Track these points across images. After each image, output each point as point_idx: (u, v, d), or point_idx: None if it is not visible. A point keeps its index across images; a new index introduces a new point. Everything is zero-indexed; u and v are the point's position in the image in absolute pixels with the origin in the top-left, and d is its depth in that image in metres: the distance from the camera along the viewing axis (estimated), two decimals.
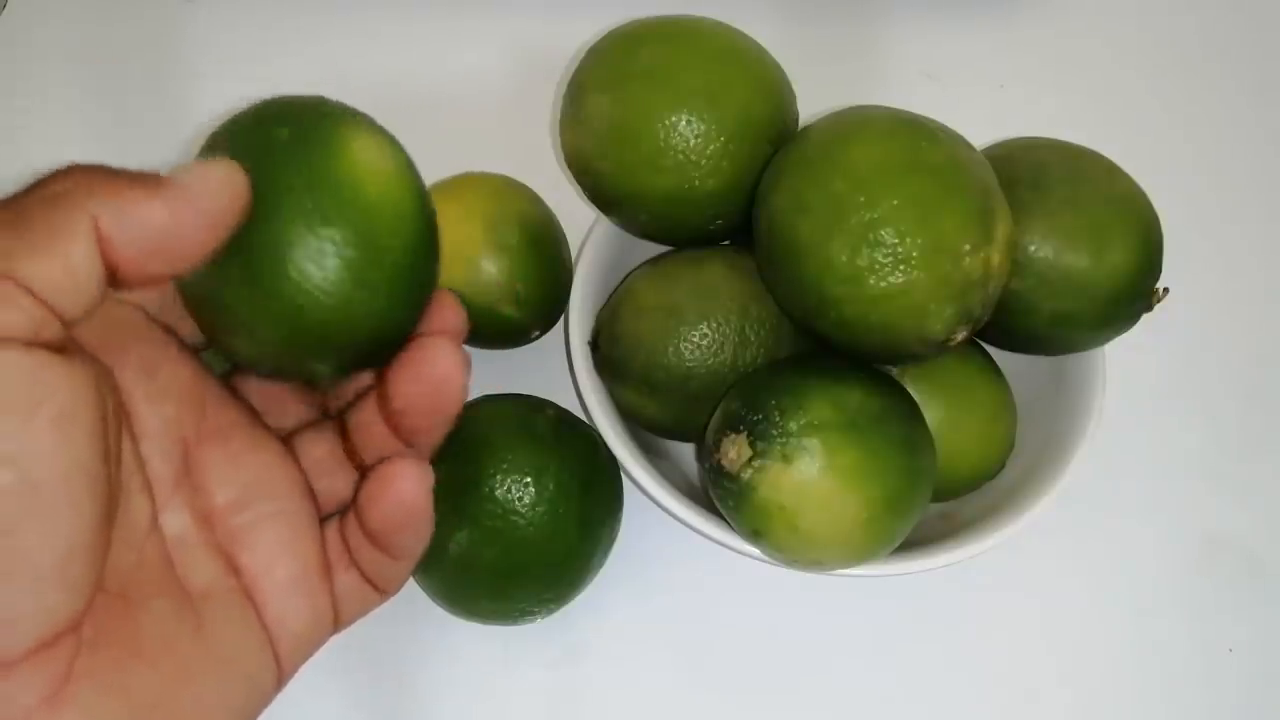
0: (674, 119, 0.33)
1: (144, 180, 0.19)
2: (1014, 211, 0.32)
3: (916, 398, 0.35)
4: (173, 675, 0.21)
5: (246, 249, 0.20)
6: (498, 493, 0.34)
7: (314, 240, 0.21)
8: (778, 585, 0.41)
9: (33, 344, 0.17)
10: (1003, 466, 0.38)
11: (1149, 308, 0.36)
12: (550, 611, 0.37)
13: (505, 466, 0.35)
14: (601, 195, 0.37)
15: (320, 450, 0.25)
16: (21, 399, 0.17)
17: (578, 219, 0.41)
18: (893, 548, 0.33)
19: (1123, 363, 0.39)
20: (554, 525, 0.35)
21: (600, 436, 0.37)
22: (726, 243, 0.38)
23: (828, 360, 0.34)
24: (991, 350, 0.39)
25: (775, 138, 0.35)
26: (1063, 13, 0.54)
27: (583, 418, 0.39)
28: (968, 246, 0.30)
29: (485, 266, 0.39)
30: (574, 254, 0.42)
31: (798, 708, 0.40)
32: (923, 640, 0.41)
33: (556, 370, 0.43)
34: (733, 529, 0.34)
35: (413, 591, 0.37)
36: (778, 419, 0.31)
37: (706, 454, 0.33)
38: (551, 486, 0.35)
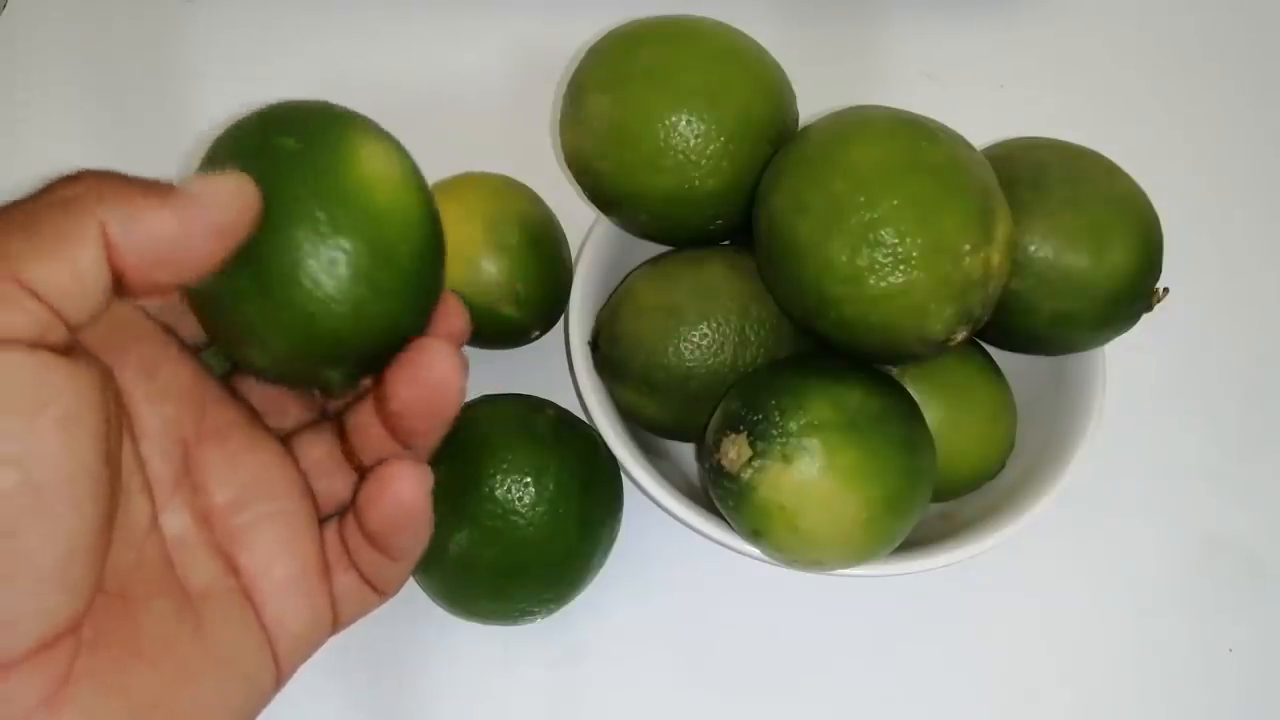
0: (674, 119, 0.33)
1: (155, 189, 0.19)
2: (1014, 211, 0.32)
3: (916, 398, 0.35)
4: (172, 675, 0.21)
5: (258, 260, 0.21)
6: (498, 493, 0.34)
7: (325, 250, 0.21)
8: (778, 585, 0.41)
9: (38, 346, 0.17)
10: (1003, 466, 0.38)
11: (1149, 308, 0.36)
12: (550, 611, 0.37)
13: (505, 466, 0.35)
14: (601, 195, 0.37)
15: (319, 451, 0.25)
16: (26, 400, 0.17)
17: (578, 219, 0.41)
18: (893, 548, 0.33)
19: (1123, 363, 0.39)
20: (554, 525, 0.35)
21: (600, 436, 0.37)
22: (726, 243, 0.38)
23: (828, 360, 0.34)
24: (991, 350, 0.39)
25: (775, 138, 0.35)
26: (1063, 13, 0.54)
27: (583, 418, 0.39)
28: (968, 246, 0.30)
29: (485, 266, 0.39)
30: (574, 254, 0.42)
31: (798, 708, 0.40)
32: (923, 640, 0.41)
33: (556, 370, 0.43)
34: (733, 529, 0.34)
35: (413, 591, 0.37)
36: (778, 419, 0.31)
37: (706, 454, 0.33)
38: (551, 486, 0.35)
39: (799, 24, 0.53)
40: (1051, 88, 0.52)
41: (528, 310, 0.40)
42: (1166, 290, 0.35)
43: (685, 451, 0.42)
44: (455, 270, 0.39)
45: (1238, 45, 0.54)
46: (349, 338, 0.22)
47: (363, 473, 0.25)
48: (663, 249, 0.39)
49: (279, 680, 0.23)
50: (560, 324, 0.43)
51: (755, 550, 0.34)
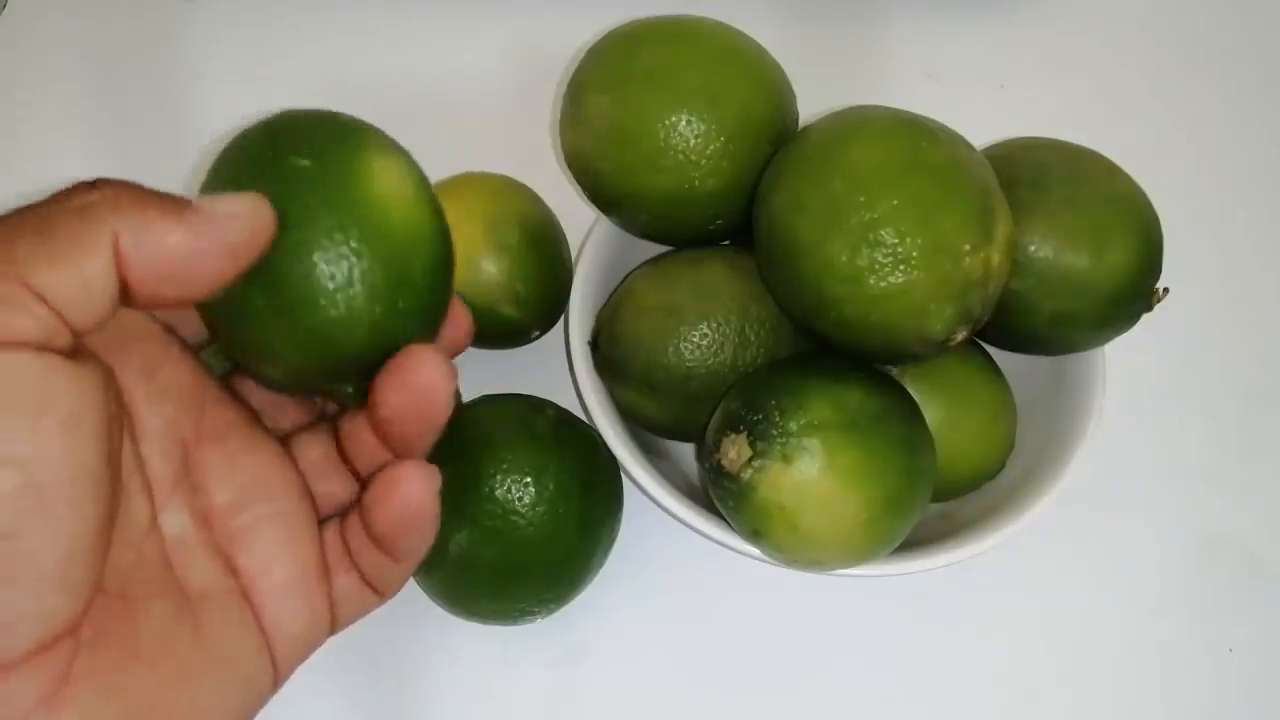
0: (674, 119, 0.33)
1: (171, 203, 0.19)
2: (1014, 211, 0.32)
3: (916, 398, 0.35)
4: (170, 676, 0.21)
5: (274, 279, 0.21)
6: (498, 493, 0.34)
7: (342, 272, 0.21)
8: (778, 585, 0.41)
9: (44, 349, 0.17)
10: (1003, 466, 0.38)
11: (1149, 308, 0.35)
12: (550, 611, 0.37)
13: (505, 466, 0.35)
14: (601, 195, 0.37)
15: (316, 452, 0.26)
16: (31, 402, 0.17)
17: (578, 219, 0.41)
18: (893, 548, 0.33)
19: (1123, 363, 0.39)
20: (554, 525, 0.35)
21: (600, 436, 0.37)
22: (726, 243, 0.38)
23: (828, 360, 0.34)
24: (991, 350, 0.39)
25: (775, 138, 0.35)
26: (1063, 13, 0.54)
27: (583, 418, 0.39)
28: (968, 246, 0.30)
29: (485, 266, 0.39)
30: (574, 254, 0.42)
31: (798, 708, 0.40)
32: (923, 640, 0.41)
33: (556, 370, 0.43)
34: (733, 529, 0.34)
35: (413, 591, 0.37)
36: (778, 419, 0.31)
37: (706, 454, 0.33)
38: (551, 486, 0.35)
39: (799, 24, 0.53)
40: (1051, 88, 0.52)
41: (528, 310, 0.40)
42: (1166, 290, 0.35)
43: (685, 451, 0.42)
44: (455, 270, 0.39)
45: (1239, 45, 0.54)
46: (364, 355, 0.22)
47: (360, 477, 0.25)
48: (663, 249, 0.39)
49: (277, 681, 0.23)
50: (560, 324, 0.43)
51: (755, 550, 0.34)
